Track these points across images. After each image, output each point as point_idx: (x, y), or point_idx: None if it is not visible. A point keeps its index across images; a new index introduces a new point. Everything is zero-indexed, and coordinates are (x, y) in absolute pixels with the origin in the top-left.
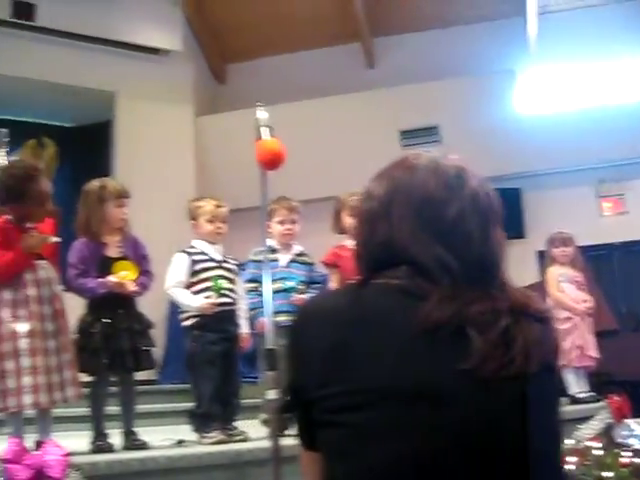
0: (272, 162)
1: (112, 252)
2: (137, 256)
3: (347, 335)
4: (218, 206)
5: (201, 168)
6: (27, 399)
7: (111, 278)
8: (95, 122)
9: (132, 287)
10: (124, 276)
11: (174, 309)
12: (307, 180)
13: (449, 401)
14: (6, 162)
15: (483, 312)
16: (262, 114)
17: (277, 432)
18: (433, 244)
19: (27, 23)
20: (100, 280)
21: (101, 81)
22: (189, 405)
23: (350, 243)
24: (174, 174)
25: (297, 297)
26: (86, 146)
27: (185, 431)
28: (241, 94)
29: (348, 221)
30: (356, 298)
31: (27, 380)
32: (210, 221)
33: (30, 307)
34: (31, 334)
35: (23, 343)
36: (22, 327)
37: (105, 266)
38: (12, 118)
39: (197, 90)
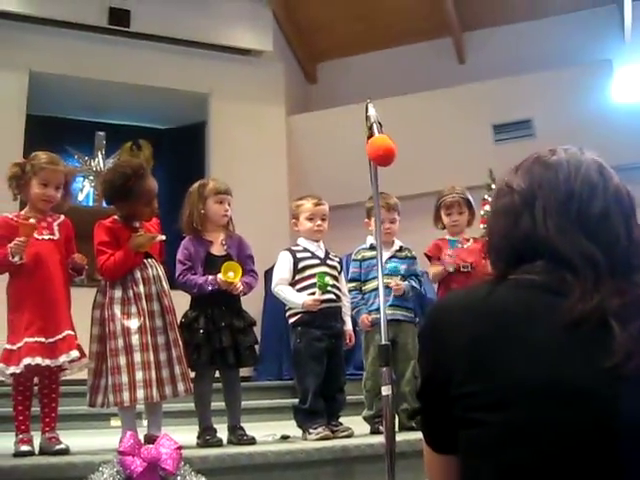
0: (384, 158)
1: (217, 250)
2: (242, 256)
3: (488, 331)
4: (317, 204)
5: (293, 167)
6: (140, 393)
7: (219, 276)
8: (189, 123)
9: (240, 287)
10: (231, 277)
11: (270, 307)
12: (400, 176)
13: (593, 399)
14: (103, 165)
15: (627, 304)
16: (371, 110)
17: (390, 428)
18: (579, 238)
19: (122, 29)
20: (209, 277)
21: (195, 83)
22: (284, 401)
23: (454, 237)
24: (267, 173)
25: (396, 285)
26: (181, 147)
27: (282, 427)
28: (332, 93)
29: (445, 219)
30: (495, 294)
31: (139, 375)
32: (310, 219)
33: (140, 304)
34: (141, 330)
35: (134, 339)
36: (133, 324)
37: (210, 264)
38: (109, 122)
39: (288, 89)
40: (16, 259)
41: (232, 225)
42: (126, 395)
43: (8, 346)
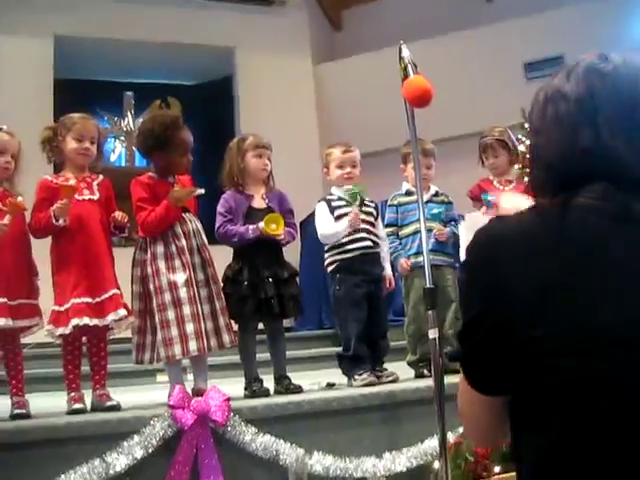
0: (421, 99)
1: (257, 203)
2: (282, 209)
3: (559, 268)
4: (346, 151)
5: (323, 116)
6: (192, 345)
7: (261, 225)
8: (216, 78)
9: (282, 236)
10: (274, 229)
11: (306, 258)
12: (433, 119)
13: None
14: (133, 125)
15: None
16: (405, 51)
17: (439, 371)
18: None
19: None
20: (250, 226)
21: (219, 37)
22: (325, 350)
23: (496, 179)
24: (297, 124)
25: (439, 230)
26: (209, 103)
27: (325, 375)
28: (358, 39)
29: (485, 162)
30: (558, 223)
31: (190, 327)
32: (339, 166)
33: (184, 257)
34: (188, 283)
35: (182, 292)
36: (179, 277)
37: (251, 217)
38: (136, 81)
39: (314, 38)
40: (60, 222)
41: (272, 180)
42: (178, 348)
43: (56, 307)
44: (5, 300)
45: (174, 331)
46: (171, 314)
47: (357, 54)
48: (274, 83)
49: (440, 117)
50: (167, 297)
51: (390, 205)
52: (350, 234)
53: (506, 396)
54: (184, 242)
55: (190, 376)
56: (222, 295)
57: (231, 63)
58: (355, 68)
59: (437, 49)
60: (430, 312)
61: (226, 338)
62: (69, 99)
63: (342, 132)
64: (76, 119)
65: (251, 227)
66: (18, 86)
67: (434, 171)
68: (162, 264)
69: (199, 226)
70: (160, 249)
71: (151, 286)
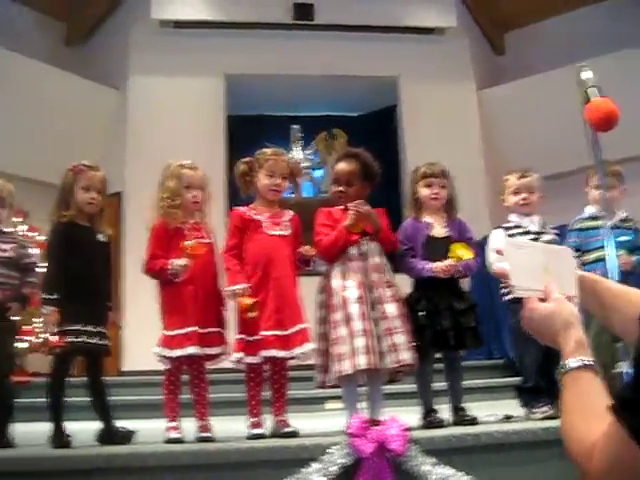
0: (608, 122)
1: (437, 232)
2: (462, 239)
3: None
4: (521, 177)
5: (488, 141)
6: (361, 359)
7: (438, 264)
8: (380, 108)
9: (455, 269)
10: (461, 255)
11: (476, 286)
12: (607, 139)
13: None
14: (303, 157)
15: None
16: (587, 74)
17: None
18: None
19: (307, 23)
20: (427, 266)
21: (382, 67)
22: (495, 381)
23: None
24: (461, 150)
25: (624, 259)
26: (373, 133)
27: (494, 406)
28: (521, 62)
29: None
30: None
31: (360, 342)
32: (515, 193)
33: (355, 277)
34: (359, 300)
35: (354, 308)
36: (352, 294)
37: (431, 245)
38: (301, 114)
39: (476, 64)
40: None
41: (454, 208)
42: (347, 363)
43: (244, 336)
44: (196, 328)
45: (345, 347)
46: (343, 330)
47: (521, 77)
48: (438, 110)
49: (615, 137)
50: (339, 314)
51: (572, 230)
52: None
53: None
54: (359, 263)
55: (364, 404)
56: (388, 314)
57: (394, 93)
58: (520, 91)
59: (606, 67)
60: (619, 344)
61: (404, 355)
62: (239, 134)
63: (509, 157)
64: (268, 155)
65: (427, 267)
66: (193, 123)
67: (619, 194)
68: (336, 283)
69: (371, 249)
70: (336, 270)
71: (328, 306)
